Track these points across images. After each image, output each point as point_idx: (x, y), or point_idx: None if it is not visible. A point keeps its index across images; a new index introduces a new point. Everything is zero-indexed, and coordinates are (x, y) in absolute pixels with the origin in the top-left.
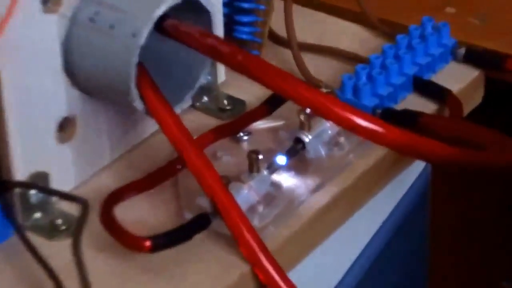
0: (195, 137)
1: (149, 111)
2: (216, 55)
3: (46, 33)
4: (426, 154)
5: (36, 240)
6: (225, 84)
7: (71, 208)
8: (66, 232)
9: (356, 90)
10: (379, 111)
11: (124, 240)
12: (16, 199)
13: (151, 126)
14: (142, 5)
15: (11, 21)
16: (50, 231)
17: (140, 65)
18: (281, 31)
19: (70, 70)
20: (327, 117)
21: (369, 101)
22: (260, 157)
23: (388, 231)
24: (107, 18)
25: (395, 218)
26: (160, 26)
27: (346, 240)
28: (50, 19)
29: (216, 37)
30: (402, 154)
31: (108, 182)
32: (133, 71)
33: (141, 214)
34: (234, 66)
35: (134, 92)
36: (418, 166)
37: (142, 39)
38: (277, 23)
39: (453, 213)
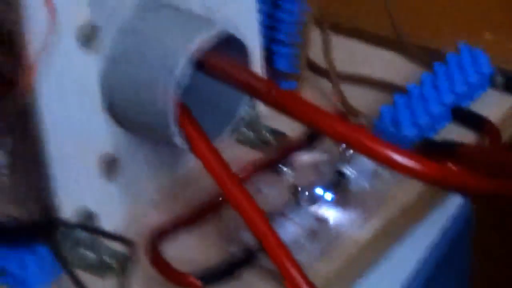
0: (236, 170)
1: (189, 148)
2: (250, 91)
3: (82, 70)
4: (465, 189)
5: (86, 277)
6: (266, 116)
7: (119, 245)
8: (115, 269)
9: (395, 121)
10: (418, 142)
11: (174, 278)
12: (63, 237)
13: (194, 158)
14: (180, 40)
15: (45, 58)
16: (99, 268)
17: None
18: (319, 59)
19: (109, 107)
20: (361, 153)
21: (409, 131)
22: (305, 192)
23: (431, 261)
24: (145, 54)
25: (438, 248)
26: (196, 61)
27: (388, 272)
28: (86, 56)
29: (251, 73)
30: (441, 189)
31: (154, 217)
32: (171, 108)
33: (186, 249)
34: (268, 102)
35: (174, 129)
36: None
37: (182, 77)
38: (316, 53)
39: (497, 243)
